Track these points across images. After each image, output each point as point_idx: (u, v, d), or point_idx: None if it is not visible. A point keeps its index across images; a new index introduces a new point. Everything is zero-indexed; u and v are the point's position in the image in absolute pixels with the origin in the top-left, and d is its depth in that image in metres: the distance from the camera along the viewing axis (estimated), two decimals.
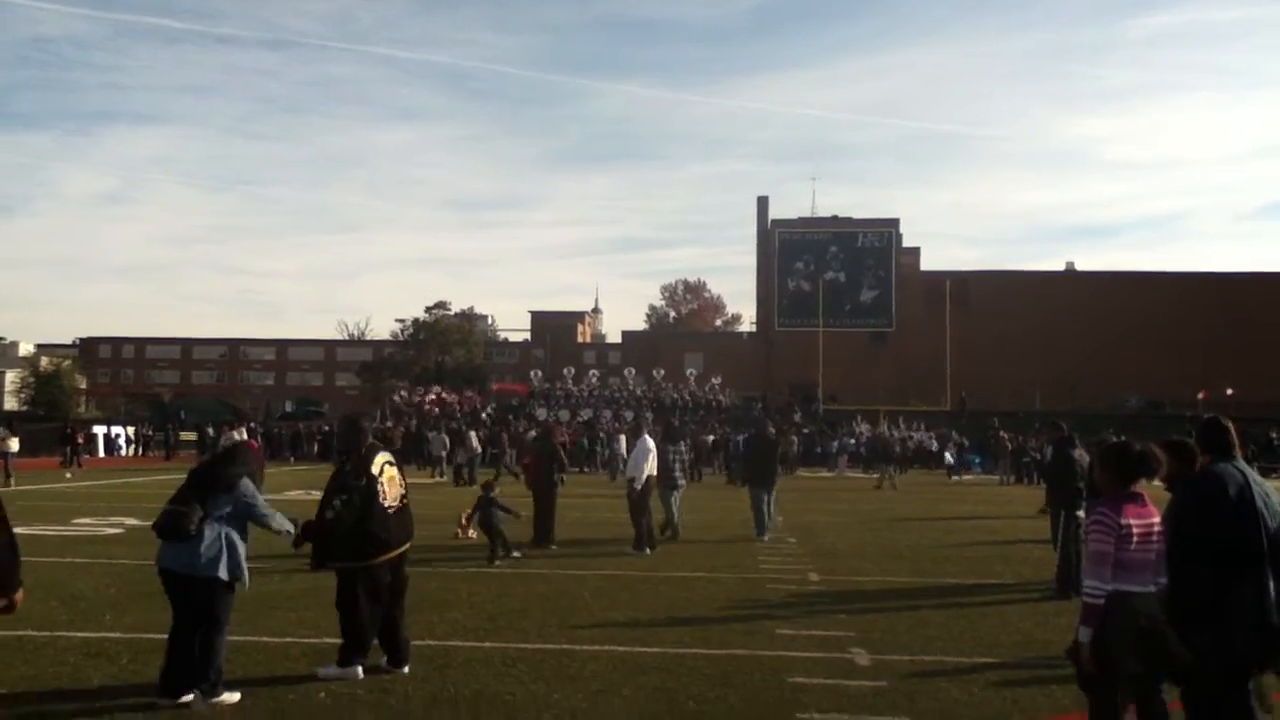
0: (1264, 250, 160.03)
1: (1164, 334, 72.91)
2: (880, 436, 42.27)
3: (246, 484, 6.66)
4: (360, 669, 7.08)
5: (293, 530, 6.87)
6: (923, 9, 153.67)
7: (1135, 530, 4.75)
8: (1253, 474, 5.02)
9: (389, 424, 43.57)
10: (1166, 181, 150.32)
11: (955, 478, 38.74)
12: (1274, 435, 43.67)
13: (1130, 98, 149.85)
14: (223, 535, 6.47)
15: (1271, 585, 4.78)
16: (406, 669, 7.24)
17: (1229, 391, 60.45)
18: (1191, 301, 74.40)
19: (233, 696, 6.45)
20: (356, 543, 7.15)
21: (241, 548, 6.60)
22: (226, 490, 6.54)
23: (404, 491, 7.52)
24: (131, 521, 17.21)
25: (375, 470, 7.30)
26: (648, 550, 14.05)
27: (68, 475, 31.16)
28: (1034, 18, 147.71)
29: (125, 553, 13.29)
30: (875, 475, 34.80)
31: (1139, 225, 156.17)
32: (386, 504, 7.27)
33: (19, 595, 5.11)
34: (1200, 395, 60.91)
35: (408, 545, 7.52)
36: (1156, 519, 4.84)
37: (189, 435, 48.64)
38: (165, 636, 6.55)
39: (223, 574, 6.43)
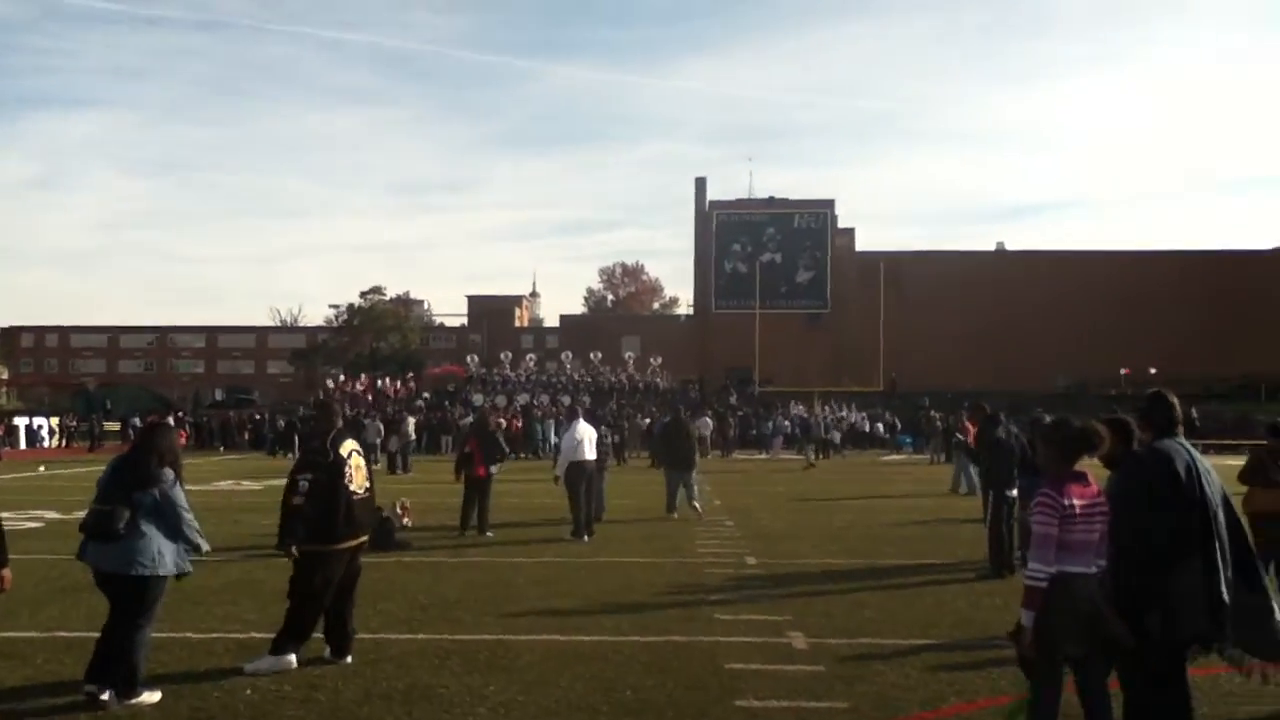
0: (1184, 228, 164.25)
1: (1090, 311, 74.30)
2: (802, 418, 42.75)
3: (169, 479, 6.36)
4: (294, 658, 6.93)
5: (205, 547, 6.55)
6: None
7: (1079, 510, 4.69)
8: (1195, 451, 4.98)
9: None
10: (1092, 160, 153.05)
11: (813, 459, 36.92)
12: (1194, 412, 44.70)
13: (1057, 76, 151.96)
14: (154, 530, 6.22)
15: (1221, 562, 4.76)
16: (349, 659, 7.14)
17: (1152, 370, 61.83)
18: (1117, 278, 75.86)
19: (153, 696, 6.23)
20: (323, 525, 7.02)
21: (172, 542, 6.33)
22: (149, 485, 6.29)
23: (369, 482, 7.44)
24: (52, 515, 16.70)
25: (344, 453, 7.23)
26: (586, 538, 13.95)
27: (41, 469, 29.83)
28: None
29: (44, 548, 12.85)
30: (803, 456, 35.00)
31: (1066, 204, 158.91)
32: (353, 489, 7.18)
33: (7, 573, 5.78)
34: (1123, 372, 62.28)
35: (366, 536, 7.46)
36: (1101, 498, 4.77)
37: (114, 426, 47.56)
38: (83, 634, 6.31)
39: (162, 570, 6.23)
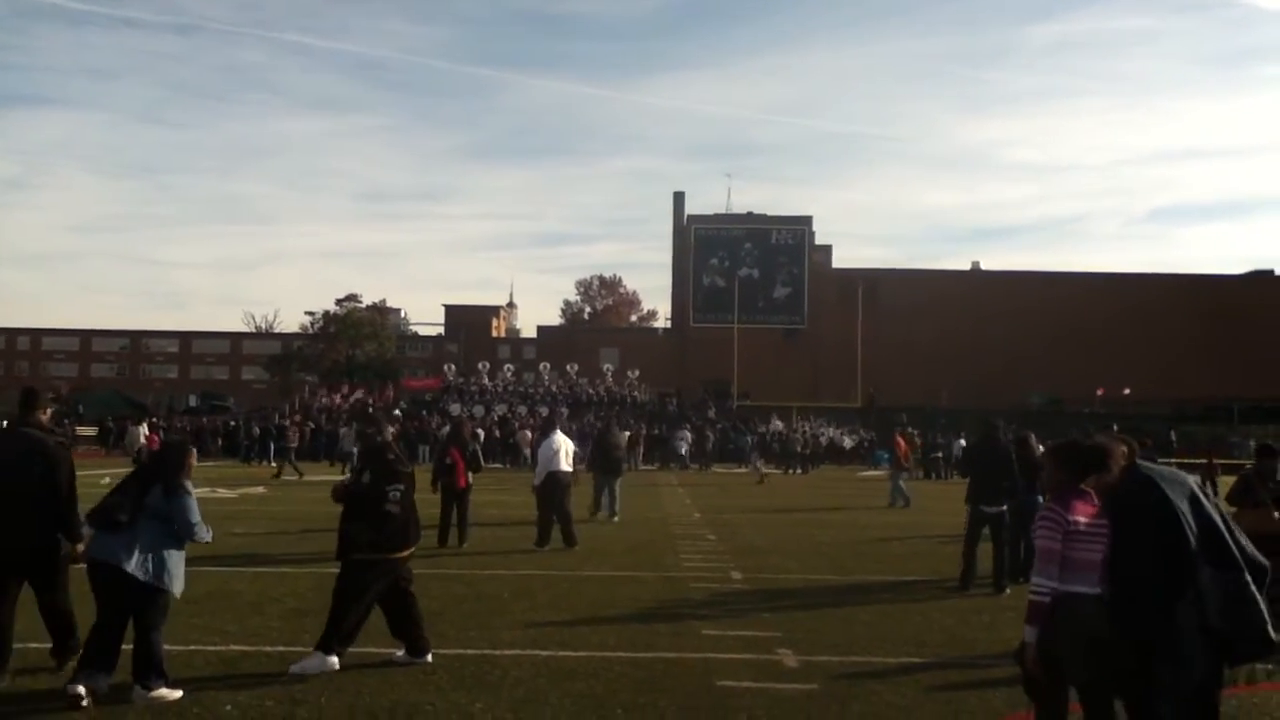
0: (1153, 252, 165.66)
1: (1064, 332, 74.85)
2: (759, 434, 42.61)
3: (186, 496, 6.63)
4: (337, 660, 7.01)
5: (209, 539, 6.75)
6: (830, 12, 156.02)
7: (1083, 527, 4.61)
8: (1156, 470, 4.77)
9: (297, 418, 42.51)
10: (1063, 185, 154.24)
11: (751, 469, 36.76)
12: (1173, 434, 44.99)
13: (1028, 102, 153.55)
14: (158, 540, 6.42)
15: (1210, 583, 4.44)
16: (429, 657, 7.32)
17: (1126, 391, 62.19)
18: (1090, 300, 76.51)
19: (174, 693, 6.35)
20: (393, 535, 7.19)
21: (176, 556, 6.53)
22: (167, 490, 6.51)
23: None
24: None
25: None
26: (570, 543, 14.10)
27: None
28: (937, 22, 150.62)
29: None
30: (780, 469, 34.89)
31: (1038, 227, 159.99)
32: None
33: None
34: (1098, 392, 62.64)
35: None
36: (1103, 518, 4.65)
37: (87, 430, 46.96)
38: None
39: (160, 581, 6.38)
